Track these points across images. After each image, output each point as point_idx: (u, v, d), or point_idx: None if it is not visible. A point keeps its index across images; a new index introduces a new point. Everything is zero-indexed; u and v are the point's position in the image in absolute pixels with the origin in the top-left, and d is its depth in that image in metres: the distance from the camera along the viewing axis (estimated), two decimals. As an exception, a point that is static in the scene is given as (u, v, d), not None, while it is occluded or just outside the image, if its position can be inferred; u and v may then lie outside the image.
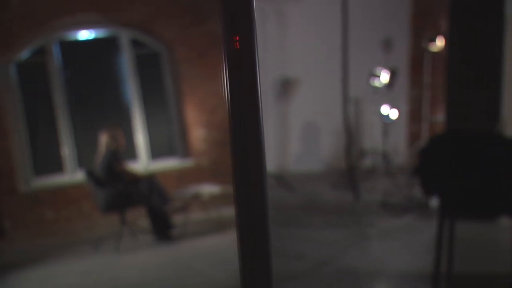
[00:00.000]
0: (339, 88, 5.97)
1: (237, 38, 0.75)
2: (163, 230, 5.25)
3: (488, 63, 4.69)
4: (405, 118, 7.33)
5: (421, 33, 6.59)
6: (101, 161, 5.15)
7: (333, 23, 5.99)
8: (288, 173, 7.02)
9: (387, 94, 6.17)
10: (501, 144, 2.95)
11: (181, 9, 6.19)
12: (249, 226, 0.81)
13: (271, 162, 6.46)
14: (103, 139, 5.19)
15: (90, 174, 5.20)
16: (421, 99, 6.63)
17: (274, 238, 0.84)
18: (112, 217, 5.47)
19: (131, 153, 6.19)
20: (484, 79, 4.73)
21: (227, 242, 4.96)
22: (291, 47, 6.99)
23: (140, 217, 5.66)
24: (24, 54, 5.81)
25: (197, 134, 6.42)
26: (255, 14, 0.76)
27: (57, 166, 6.02)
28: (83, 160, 6.05)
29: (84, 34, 6.06)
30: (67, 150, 6.01)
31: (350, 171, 6.18)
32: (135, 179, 5.21)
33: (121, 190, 5.08)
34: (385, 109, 5.94)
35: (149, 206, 5.17)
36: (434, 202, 5.05)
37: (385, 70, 5.95)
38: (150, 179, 5.24)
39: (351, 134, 6.42)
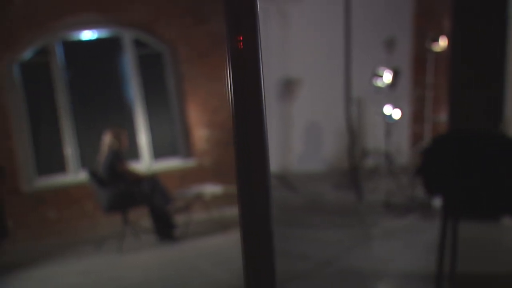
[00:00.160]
0: (341, 88, 5.97)
1: (241, 38, 0.75)
2: (165, 230, 5.26)
3: (491, 63, 4.68)
4: (408, 118, 7.32)
5: (424, 33, 6.58)
6: (104, 161, 5.16)
7: (335, 23, 5.99)
8: (290, 173, 7.02)
9: (390, 94, 6.16)
10: (504, 144, 2.94)
11: (183, 9, 6.19)
12: (253, 226, 0.81)
13: (274, 162, 6.43)
14: (107, 139, 5.19)
15: (93, 174, 5.21)
16: (424, 99, 6.62)
17: (277, 238, 0.84)
18: (115, 217, 5.47)
19: (134, 153, 6.20)
20: (487, 79, 4.72)
21: (229, 242, 4.96)
22: (294, 47, 6.98)
23: (142, 217, 5.66)
24: (27, 54, 5.82)
25: (200, 134, 6.42)
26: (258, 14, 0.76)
27: (60, 166, 6.03)
28: (86, 160, 6.05)
29: (87, 34, 6.07)
30: (70, 150, 6.01)
31: (353, 171, 6.17)
32: (138, 179, 5.21)
33: (124, 190, 5.09)
34: (388, 109, 5.92)
35: (152, 206, 5.17)
36: (437, 202, 5.04)
37: (388, 70, 5.94)
38: (152, 179, 5.24)
39: (353, 134, 6.42)
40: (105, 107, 6.20)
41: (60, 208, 5.90)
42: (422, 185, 3.32)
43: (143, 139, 6.30)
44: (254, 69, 0.76)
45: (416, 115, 7.31)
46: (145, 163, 6.31)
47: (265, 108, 0.79)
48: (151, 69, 6.35)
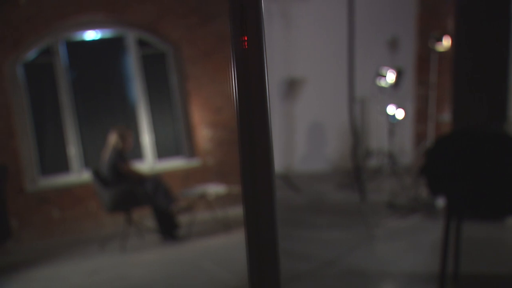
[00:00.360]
0: (345, 88, 5.95)
1: (246, 38, 0.75)
2: (169, 229, 5.27)
3: (495, 62, 4.67)
4: (411, 118, 7.32)
5: (427, 33, 6.57)
6: (107, 161, 5.17)
7: (339, 23, 5.97)
8: (294, 173, 7.02)
9: (393, 94, 6.16)
10: (508, 143, 2.94)
11: (187, 9, 6.20)
12: (258, 226, 0.81)
13: (277, 162, 6.44)
14: (112, 138, 5.21)
15: (96, 173, 5.22)
16: (427, 98, 6.60)
17: (280, 238, 0.84)
18: (119, 216, 5.49)
19: (137, 153, 6.21)
20: (490, 79, 4.71)
21: (233, 242, 4.96)
22: (297, 47, 6.98)
23: (146, 217, 5.68)
24: (31, 54, 5.83)
25: (203, 133, 6.43)
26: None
27: (63, 166, 6.05)
28: (89, 160, 6.07)
29: (91, 34, 6.08)
30: (73, 150, 6.03)
31: (356, 171, 6.16)
32: (141, 179, 5.22)
33: (127, 190, 5.10)
34: (391, 109, 5.92)
35: (155, 205, 5.18)
36: (441, 202, 5.04)
37: (391, 70, 5.93)
38: (155, 179, 5.25)
39: (357, 134, 6.41)
40: (109, 107, 6.22)
41: (63, 208, 5.91)
42: (425, 185, 3.31)
43: (147, 139, 6.31)
44: (259, 69, 0.76)
45: (419, 115, 7.31)
46: (148, 163, 6.32)
47: (270, 108, 0.79)
48: (155, 69, 6.36)
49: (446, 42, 5.74)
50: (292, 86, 7.21)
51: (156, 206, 5.18)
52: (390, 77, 5.90)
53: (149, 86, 6.30)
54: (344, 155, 7.05)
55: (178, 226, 5.32)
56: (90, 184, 5.42)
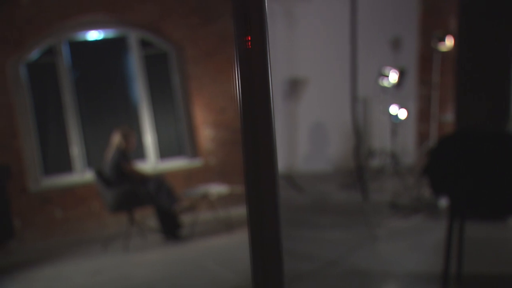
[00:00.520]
0: (347, 88, 5.94)
1: (249, 38, 0.75)
2: (171, 229, 5.27)
3: (498, 62, 4.66)
4: (414, 118, 7.30)
5: (430, 33, 6.55)
6: (110, 161, 5.18)
7: (341, 22, 5.97)
8: (296, 173, 7.02)
9: (396, 93, 6.15)
10: (510, 143, 2.93)
11: (189, 9, 6.20)
12: (261, 226, 0.81)
13: (280, 162, 6.43)
14: (115, 138, 5.22)
15: (99, 173, 5.23)
16: (430, 98, 6.59)
17: (282, 238, 0.84)
18: (121, 216, 5.50)
19: (140, 153, 6.21)
20: (493, 79, 4.70)
21: (235, 242, 4.96)
22: (300, 46, 6.98)
23: (149, 217, 5.68)
24: (34, 54, 5.85)
25: (205, 134, 6.43)
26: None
27: (66, 166, 6.06)
28: (92, 160, 6.08)
29: (93, 35, 6.09)
30: (76, 150, 6.04)
31: (359, 171, 6.15)
32: (144, 179, 5.23)
33: (130, 190, 5.10)
34: (394, 109, 5.91)
35: (157, 205, 5.18)
36: (443, 202, 5.03)
37: (394, 70, 5.93)
38: (158, 179, 5.25)
39: (359, 134, 6.40)
40: (111, 107, 6.22)
41: (66, 208, 5.92)
42: (428, 185, 3.31)
43: (149, 139, 6.32)
44: (263, 69, 0.76)
45: (422, 115, 7.30)
46: (151, 163, 6.33)
47: (273, 108, 0.79)
48: (157, 69, 6.36)
49: (449, 42, 5.73)
50: (294, 86, 7.20)
51: (159, 206, 5.18)
52: (393, 77, 5.89)
53: (151, 86, 6.31)
54: (346, 155, 7.04)
55: (181, 226, 5.32)
56: (93, 184, 5.42)
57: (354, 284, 3.65)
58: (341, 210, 5.70)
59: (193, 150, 6.50)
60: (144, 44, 6.23)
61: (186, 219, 5.49)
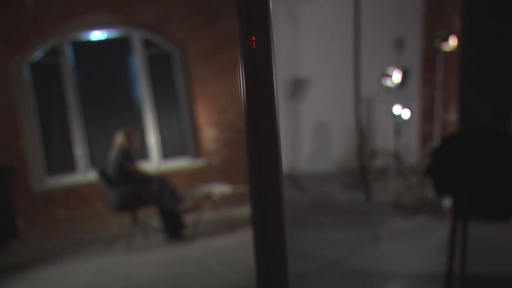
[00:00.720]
0: (351, 88, 5.95)
1: (253, 38, 0.75)
2: (175, 229, 5.27)
3: (501, 62, 4.65)
4: (417, 118, 7.30)
5: (433, 32, 6.55)
6: (113, 161, 5.19)
7: (345, 22, 5.97)
8: (299, 173, 7.02)
9: (399, 93, 6.15)
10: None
11: (192, 9, 6.21)
12: (265, 225, 0.81)
13: (283, 162, 6.45)
14: (118, 138, 5.22)
15: (103, 173, 5.24)
16: (433, 98, 6.58)
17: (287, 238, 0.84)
18: (125, 216, 5.50)
19: (143, 153, 6.22)
20: (497, 79, 4.69)
21: (238, 242, 4.96)
22: (303, 46, 6.98)
23: (152, 217, 5.69)
24: (38, 54, 5.86)
25: (209, 134, 6.44)
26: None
27: (69, 166, 6.07)
28: (95, 160, 6.09)
29: (97, 35, 6.10)
30: (79, 150, 6.05)
31: (362, 171, 6.15)
32: (147, 179, 5.24)
33: (133, 190, 5.11)
34: (397, 109, 5.91)
35: (161, 205, 5.19)
36: (447, 202, 5.02)
37: (397, 70, 5.92)
38: (161, 179, 5.26)
39: (363, 134, 6.40)
40: (115, 107, 6.23)
41: (70, 208, 5.93)
42: (431, 185, 3.30)
43: (152, 138, 6.32)
44: (267, 69, 0.76)
45: (425, 115, 7.29)
46: (154, 162, 6.33)
47: (278, 108, 0.79)
48: (160, 69, 6.37)
49: (452, 42, 5.72)
50: (297, 86, 7.20)
51: (162, 206, 5.19)
52: (396, 77, 5.88)
53: (154, 86, 6.32)
54: (349, 155, 7.04)
55: (184, 226, 5.32)
56: (96, 184, 5.43)
57: (357, 284, 3.65)
58: (344, 210, 5.70)
59: (196, 150, 6.51)
60: (147, 44, 6.24)
61: (189, 219, 5.50)
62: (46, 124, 5.97)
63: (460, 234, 3.27)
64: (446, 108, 6.82)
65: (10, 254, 5.41)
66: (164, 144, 6.44)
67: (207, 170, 6.43)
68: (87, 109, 6.08)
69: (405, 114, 5.88)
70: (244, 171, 0.82)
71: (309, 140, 7.47)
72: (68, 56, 5.93)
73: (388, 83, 5.95)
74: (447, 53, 5.99)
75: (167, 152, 6.46)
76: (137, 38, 6.17)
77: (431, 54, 6.75)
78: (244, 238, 4.97)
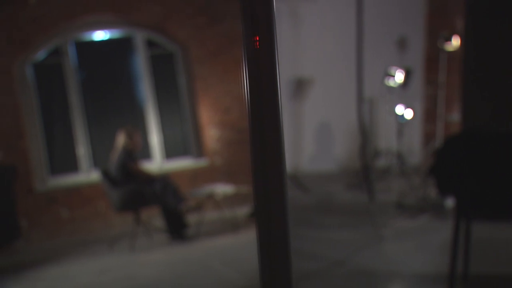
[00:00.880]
0: (353, 88, 5.94)
1: (257, 38, 0.75)
2: (177, 229, 5.28)
3: (504, 62, 4.64)
4: (420, 118, 7.28)
5: (436, 32, 6.53)
6: (116, 161, 5.19)
7: (347, 22, 5.96)
8: (302, 173, 7.01)
9: (402, 93, 6.14)
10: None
11: (195, 9, 6.21)
12: (269, 225, 0.81)
13: (286, 162, 6.44)
14: (120, 138, 5.23)
15: (105, 173, 5.24)
16: (436, 98, 6.57)
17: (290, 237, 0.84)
18: (127, 216, 5.51)
19: (145, 153, 6.23)
20: (500, 78, 4.68)
21: (241, 242, 4.97)
22: (306, 46, 6.97)
23: (154, 216, 5.69)
24: (40, 54, 5.87)
25: (211, 134, 6.44)
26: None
27: (72, 166, 6.08)
28: (98, 160, 6.10)
29: (99, 35, 6.11)
30: (82, 150, 6.06)
31: (365, 171, 6.14)
32: (149, 179, 5.24)
33: (135, 190, 5.12)
34: (400, 109, 5.90)
35: (163, 205, 5.19)
36: (450, 202, 5.01)
37: (400, 70, 5.91)
38: (164, 179, 5.26)
39: (365, 134, 6.39)
40: (117, 107, 6.24)
41: (72, 208, 5.94)
42: (434, 185, 3.30)
43: (155, 138, 6.33)
44: (270, 69, 0.76)
45: (428, 115, 7.27)
46: (156, 162, 6.34)
47: (281, 108, 0.79)
48: (163, 69, 6.38)
49: (455, 42, 5.71)
50: (300, 86, 7.20)
51: (165, 206, 5.19)
52: (399, 76, 5.87)
53: (157, 86, 6.32)
54: (352, 155, 7.03)
55: (187, 226, 5.33)
56: (99, 184, 5.44)
57: (361, 284, 3.65)
58: (347, 210, 5.70)
59: (199, 150, 6.51)
60: (150, 44, 6.25)
61: (192, 219, 5.50)
62: (49, 124, 5.98)
63: (463, 234, 3.26)
64: (449, 108, 6.81)
65: (13, 254, 5.42)
66: (167, 144, 6.44)
67: (209, 170, 6.43)
68: (90, 109, 6.09)
69: (408, 114, 5.87)
70: (247, 171, 0.82)
71: (311, 140, 7.46)
72: (71, 56, 5.94)
73: (391, 83, 5.94)
74: (450, 53, 5.98)
75: (170, 152, 6.47)
76: (139, 38, 6.17)
77: (434, 54, 6.74)
78: (247, 238, 4.98)
